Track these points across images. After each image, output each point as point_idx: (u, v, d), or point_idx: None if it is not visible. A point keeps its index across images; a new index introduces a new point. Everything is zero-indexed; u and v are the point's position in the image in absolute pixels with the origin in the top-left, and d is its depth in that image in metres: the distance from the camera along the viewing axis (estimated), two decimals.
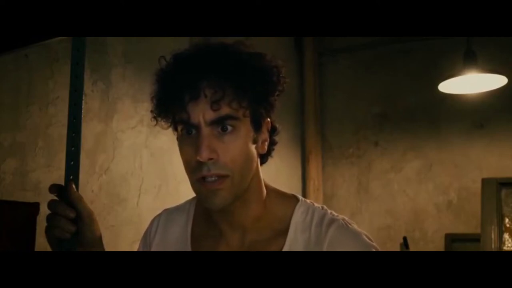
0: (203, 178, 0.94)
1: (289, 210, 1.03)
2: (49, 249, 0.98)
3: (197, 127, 0.94)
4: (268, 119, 1.02)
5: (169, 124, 1.01)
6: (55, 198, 0.97)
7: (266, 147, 1.03)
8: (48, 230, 0.96)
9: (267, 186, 1.06)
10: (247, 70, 0.95)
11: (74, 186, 0.96)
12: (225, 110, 0.93)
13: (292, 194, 1.08)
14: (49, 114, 1.98)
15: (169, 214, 1.16)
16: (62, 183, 0.98)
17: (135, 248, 2.28)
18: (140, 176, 2.32)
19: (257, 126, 0.99)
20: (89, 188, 2.08)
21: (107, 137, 2.20)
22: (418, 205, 3.33)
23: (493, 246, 2.74)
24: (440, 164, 3.30)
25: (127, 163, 2.27)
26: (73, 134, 0.98)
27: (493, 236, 2.76)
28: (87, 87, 2.12)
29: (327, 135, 3.62)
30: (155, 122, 1.02)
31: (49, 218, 0.96)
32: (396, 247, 3.31)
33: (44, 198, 1.01)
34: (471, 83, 2.73)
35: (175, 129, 1.01)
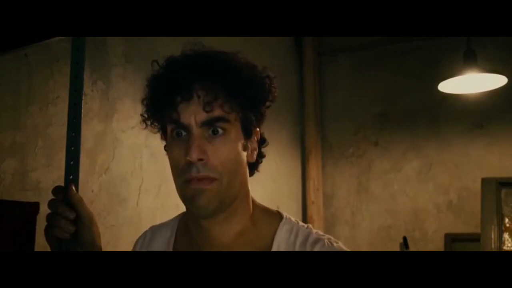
0: (191, 180, 0.94)
1: (273, 227, 1.01)
2: (49, 249, 0.98)
3: (188, 128, 0.94)
4: (258, 129, 1.02)
5: (157, 129, 1.02)
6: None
7: (255, 156, 1.03)
8: (47, 230, 0.96)
9: (252, 201, 1.04)
10: (239, 76, 0.95)
11: (74, 188, 0.96)
12: (217, 112, 0.93)
13: (277, 211, 1.06)
14: (49, 114, 1.97)
15: (153, 231, 1.14)
16: (62, 182, 0.98)
17: None
18: (140, 175, 2.32)
19: (247, 132, 0.99)
20: (89, 188, 2.08)
21: (107, 137, 2.20)
22: (418, 205, 3.33)
23: (493, 246, 2.74)
24: (440, 164, 3.30)
25: (127, 162, 2.27)
26: (73, 134, 0.98)
27: (493, 236, 2.76)
28: (87, 87, 2.12)
29: (327, 135, 3.61)
30: (144, 126, 1.02)
31: (49, 218, 0.96)
32: (396, 247, 3.31)
33: (44, 198, 1.01)
34: (471, 83, 2.73)
35: (164, 136, 1.01)
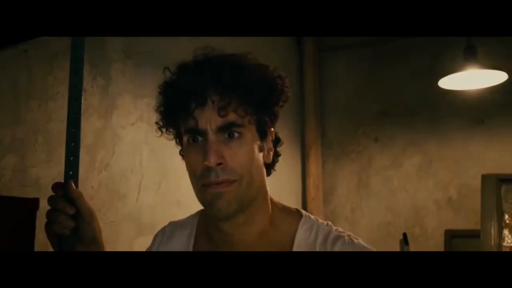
0: (210, 184, 0.94)
1: (293, 227, 1.02)
2: (49, 245, 0.98)
3: (204, 134, 0.95)
4: (272, 129, 1.03)
5: (173, 136, 1.03)
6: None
7: (271, 156, 1.03)
8: (47, 226, 0.96)
9: (271, 200, 1.05)
10: (251, 78, 0.96)
11: (73, 183, 0.96)
12: (231, 117, 0.94)
13: (296, 209, 1.07)
14: (48, 110, 1.97)
15: (173, 228, 1.15)
16: (62, 178, 0.97)
17: (134, 244, 2.28)
18: (140, 172, 2.32)
19: (262, 133, 1.00)
20: (89, 184, 2.08)
21: (107, 133, 2.20)
22: (418, 201, 3.33)
23: (492, 242, 2.74)
24: (440, 160, 3.30)
25: (127, 159, 2.27)
26: (73, 130, 0.98)
27: (492, 232, 2.77)
28: (87, 83, 2.12)
29: (327, 131, 3.61)
30: (160, 133, 1.03)
31: (48, 214, 0.96)
32: (396, 244, 3.31)
33: (44, 194, 1.01)
34: (471, 79, 2.73)
35: (180, 142, 1.02)
